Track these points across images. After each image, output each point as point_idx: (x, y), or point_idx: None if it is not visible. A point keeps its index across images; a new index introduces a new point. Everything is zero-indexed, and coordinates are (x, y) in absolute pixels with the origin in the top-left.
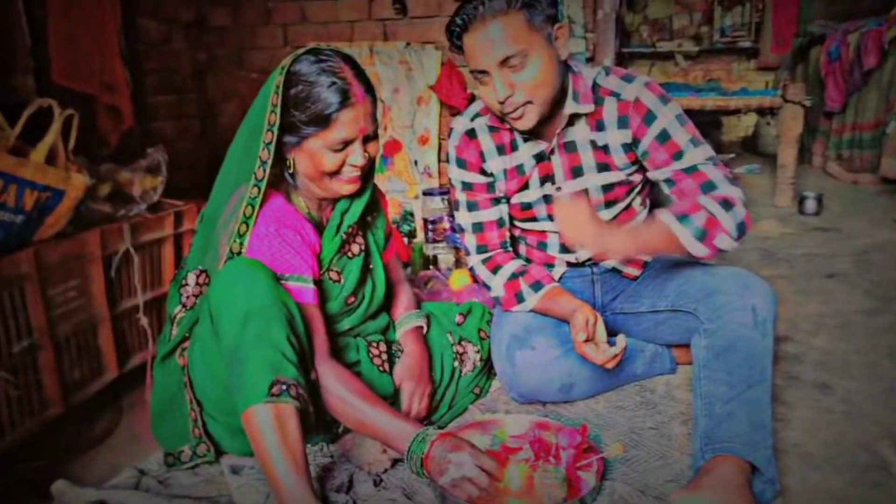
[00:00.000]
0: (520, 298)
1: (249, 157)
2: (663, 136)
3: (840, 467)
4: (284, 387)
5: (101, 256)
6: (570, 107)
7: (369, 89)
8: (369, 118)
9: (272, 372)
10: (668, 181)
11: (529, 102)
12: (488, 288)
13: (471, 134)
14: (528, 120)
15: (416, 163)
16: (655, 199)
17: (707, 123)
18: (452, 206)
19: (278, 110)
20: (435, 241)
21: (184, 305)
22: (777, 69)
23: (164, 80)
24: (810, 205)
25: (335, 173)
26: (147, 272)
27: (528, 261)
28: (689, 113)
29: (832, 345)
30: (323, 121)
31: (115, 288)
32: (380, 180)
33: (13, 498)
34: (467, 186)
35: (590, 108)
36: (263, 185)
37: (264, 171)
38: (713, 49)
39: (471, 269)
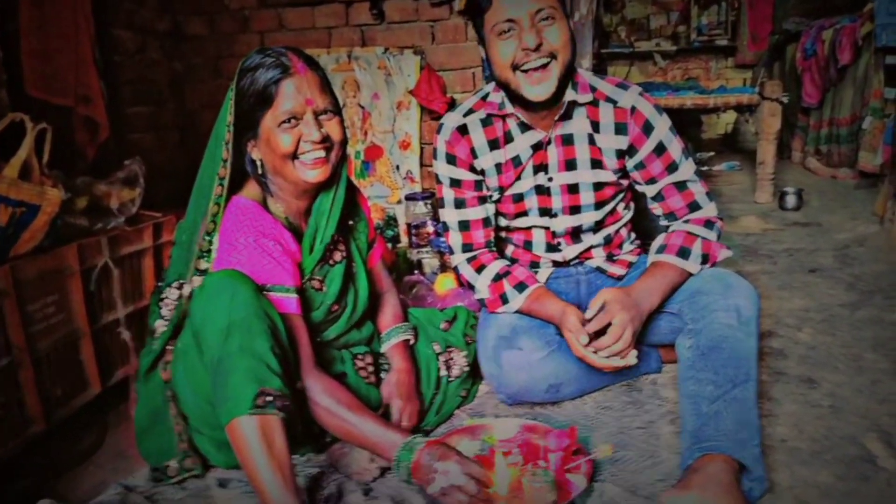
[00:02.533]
0: (504, 300)
1: (214, 162)
2: (660, 149)
3: (827, 461)
4: (269, 398)
5: (79, 271)
6: (569, 94)
7: (312, 64)
8: (316, 90)
9: (256, 383)
10: (658, 195)
11: (553, 59)
12: (473, 288)
13: (462, 130)
14: (548, 81)
15: (397, 168)
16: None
17: (687, 122)
18: (438, 204)
19: (233, 109)
20: (419, 245)
21: (164, 318)
22: (754, 66)
23: (141, 91)
24: (790, 200)
25: (295, 156)
26: (127, 285)
27: (515, 262)
28: (669, 112)
29: (816, 339)
30: (267, 97)
31: (96, 302)
32: (362, 186)
33: None
34: (455, 183)
35: (588, 97)
36: (226, 183)
37: (226, 169)
38: (691, 48)
39: (455, 269)
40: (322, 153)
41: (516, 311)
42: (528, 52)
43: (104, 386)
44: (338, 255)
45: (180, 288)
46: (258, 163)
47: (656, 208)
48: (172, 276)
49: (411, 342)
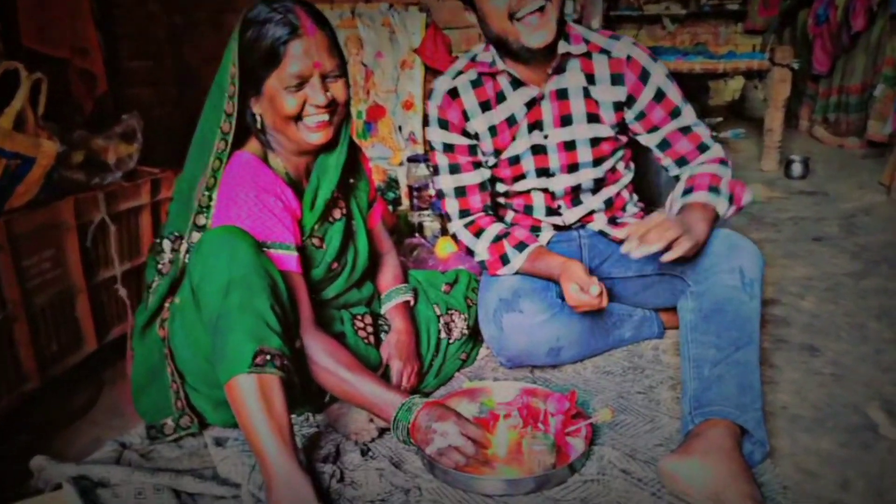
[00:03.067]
0: (504, 260)
1: (216, 115)
2: (659, 95)
3: (829, 429)
4: (269, 357)
5: (75, 226)
6: (562, 46)
7: (322, 23)
8: (324, 53)
9: (256, 342)
10: (664, 143)
11: (548, 1)
12: (472, 252)
13: (453, 93)
14: (547, 25)
15: (400, 129)
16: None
17: (694, 88)
18: (433, 171)
19: (236, 60)
20: (420, 208)
21: (161, 274)
22: (764, 32)
23: (140, 45)
24: (797, 168)
25: (299, 118)
26: (124, 242)
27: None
28: (677, 76)
29: (820, 307)
30: (273, 56)
31: (92, 258)
32: (364, 147)
33: None
34: (448, 148)
35: (582, 48)
36: (230, 139)
37: (230, 124)
38: (700, 12)
39: (453, 235)
40: (326, 116)
41: (517, 272)
42: None
43: (100, 343)
44: (337, 213)
45: (177, 243)
46: (259, 118)
47: (663, 158)
48: (170, 230)
49: (411, 303)
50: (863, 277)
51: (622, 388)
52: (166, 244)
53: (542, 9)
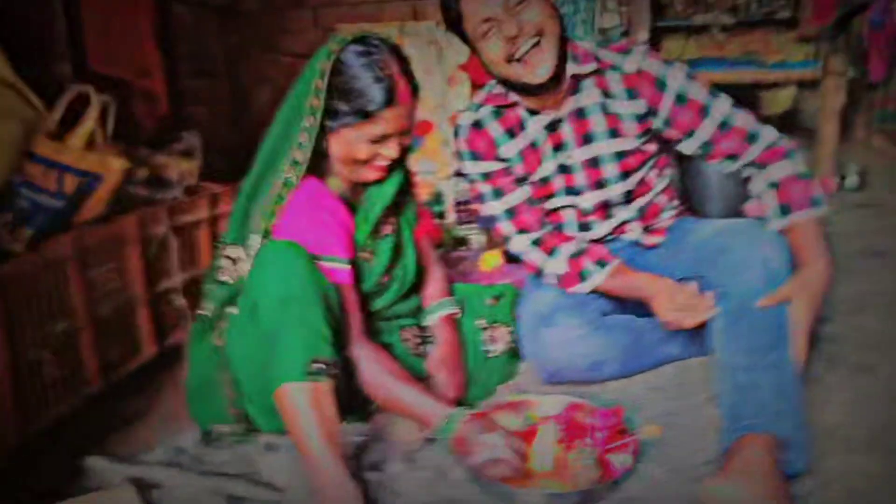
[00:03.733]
0: (583, 276)
1: (288, 138)
2: (681, 98)
3: (882, 451)
4: (321, 366)
5: (139, 239)
6: (570, 68)
7: (414, 87)
8: (411, 116)
9: (309, 351)
10: (705, 146)
11: (541, 35)
12: (541, 271)
13: (477, 125)
14: (545, 66)
15: (448, 143)
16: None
17: (742, 99)
18: (479, 201)
19: (323, 95)
20: (466, 222)
21: (218, 282)
22: (817, 40)
23: (197, 66)
24: (852, 180)
25: (367, 161)
26: (184, 254)
27: None
28: (724, 88)
29: (875, 325)
30: (365, 115)
31: (153, 270)
32: (410, 161)
33: (54, 472)
34: (487, 176)
35: (592, 66)
36: (302, 169)
37: (304, 154)
38: (751, 21)
39: (518, 256)
40: (390, 161)
41: (594, 289)
42: (514, 40)
43: (159, 350)
44: (387, 228)
45: (235, 255)
46: (325, 145)
47: (711, 159)
48: (228, 238)
49: (457, 316)
50: None
51: (670, 404)
52: (221, 250)
53: (537, 43)
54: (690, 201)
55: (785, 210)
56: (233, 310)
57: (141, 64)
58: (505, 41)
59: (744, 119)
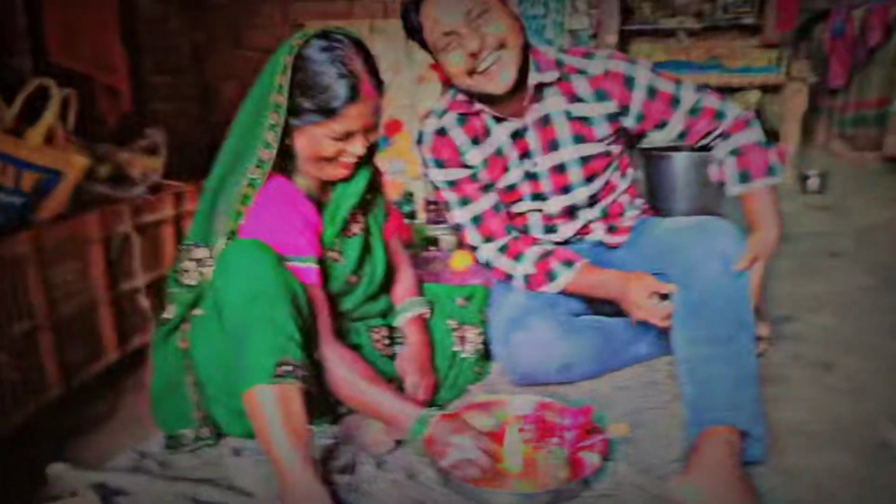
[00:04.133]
0: (551, 277)
1: (252, 135)
2: (651, 92)
3: (844, 446)
4: (289, 368)
5: (101, 238)
6: (533, 77)
7: (379, 82)
8: (375, 111)
9: (277, 353)
10: (681, 134)
11: (503, 48)
12: (510, 277)
13: (441, 132)
14: (506, 75)
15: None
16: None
17: None
18: (445, 209)
19: (286, 91)
20: (436, 221)
21: (180, 283)
22: (781, 46)
23: (162, 61)
24: (813, 183)
25: (332, 158)
26: (148, 253)
27: None
28: None
29: (835, 323)
30: (328, 112)
31: (116, 269)
32: (380, 160)
33: (13, 480)
34: (452, 184)
35: (554, 75)
36: (267, 167)
37: (270, 152)
38: (716, 26)
39: (486, 263)
40: (356, 159)
41: (562, 289)
42: (476, 55)
43: (122, 352)
44: (356, 228)
45: (199, 256)
46: (290, 143)
47: (687, 143)
48: (192, 240)
49: (427, 316)
50: (879, 293)
51: (638, 403)
52: (188, 254)
53: (499, 56)
54: (656, 201)
55: (744, 177)
56: (198, 311)
57: (104, 58)
58: (467, 55)
59: (709, 100)
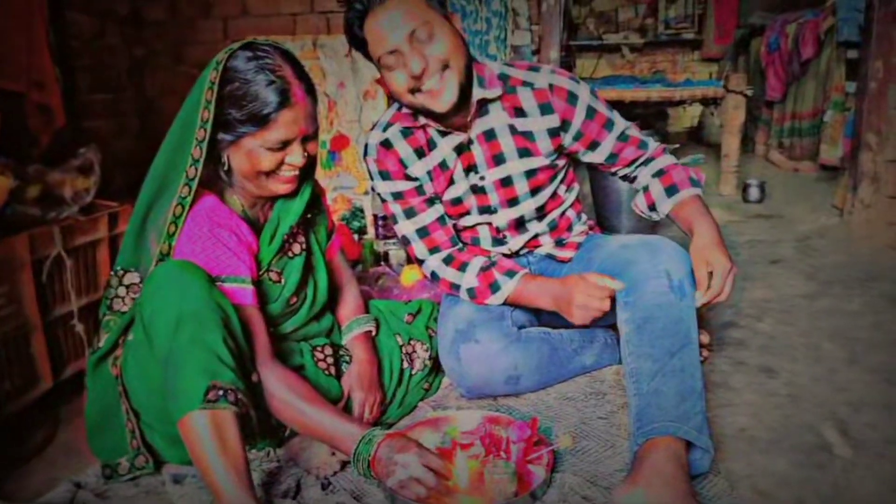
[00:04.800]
0: (494, 288)
1: (181, 153)
2: (590, 112)
3: (785, 449)
4: (221, 392)
5: (30, 261)
6: (477, 92)
7: (310, 88)
8: (309, 118)
9: (208, 377)
10: (611, 157)
11: (446, 68)
12: (455, 288)
13: (386, 144)
14: (448, 95)
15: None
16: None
17: (652, 115)
18: (391, 221)
19: (212, 107)
20: (386, 237)
21: (110, 308)
22: (720, 60)
23: (99, 78)
24: (753, 192)
25: (272, 172)
26: (81, 277)
27: None
28: (635, 104)
29: (776, 329)
30: (260, 121)
31: (48, 294)
32: (328, 176)
33: None
34: (398, 196)
35: (497, 91)
36: (195, 185)
37: (196, 169)
38: (658, 41)
39: (432, 275)
40: (297, 171)
41: (505, 300)
42: (419, 76)
43: (56, 380)
44: (297, 248)
45: (127, 278)
46: (226, 161)
47: (613, 167)
48: (120, 265)
49: (373, 334)
50: (817, 298)
51: (583, 413)
52: (116, 280)
53: (441, 77)
54: (601, 217)
55: (671, 191)
56: (129, 336)
57: (35, 75)
58: (409, 76)
59: (634, 130)
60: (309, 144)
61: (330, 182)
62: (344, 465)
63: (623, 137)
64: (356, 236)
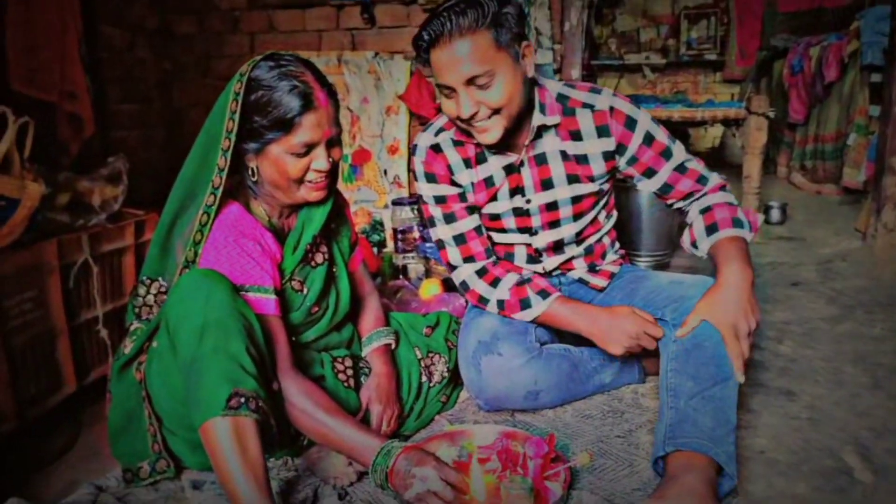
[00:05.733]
0: (525, 304)
1: (206, 163)
2: (648, 139)
3: (805, 473)
4: (243, 399)
5: (58, 267)
6: (537, 119)
7: (331, 93)
8: (332, 122)
9: (230, 384)
10: (665, 187)
11: (496, 114)
12: (485, 301)
13: (436, 149)
14: (494, 134)
15: (385, 172)
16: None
17: (674, 135)
18: (428, 224)
19: (237, 117)
20: (405, 251)
21: (138, 317)
22: (742, 81)
23: (128, 89)
24: (775, 214)
25: (301, 180)
26: (107, 283)
27: None
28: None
29: (797, 352)
30: (285, 125)
31: (74, 299)
32: (349, 190)
33: None
34: (441, 200)
35: (556, 119)
36: (219, 193)
37: (221, 178)
38: (680, 62)
39: (462, 284)
40: (325, 177)
41: (534, 318)
42: (465, 120)
43: (80, 384)
44: (319, 258)
45: (154, 286)
46: (254, 170)
47: (669, 198)
48: (146, 273)
49: (392, 347)
50: (839, 322)
51: (601, 431)
52: (143, 289)
53: (490, 118)
54: (620, 234)
55: (711, 230)
56: (153, 343)
57: (66, 86)
58: (459, 114)
59: (696, 162)
60: (333, 150)
61: (351, 196)
62: (361, 476)
63: (681, 169)
64: (375, 249)
